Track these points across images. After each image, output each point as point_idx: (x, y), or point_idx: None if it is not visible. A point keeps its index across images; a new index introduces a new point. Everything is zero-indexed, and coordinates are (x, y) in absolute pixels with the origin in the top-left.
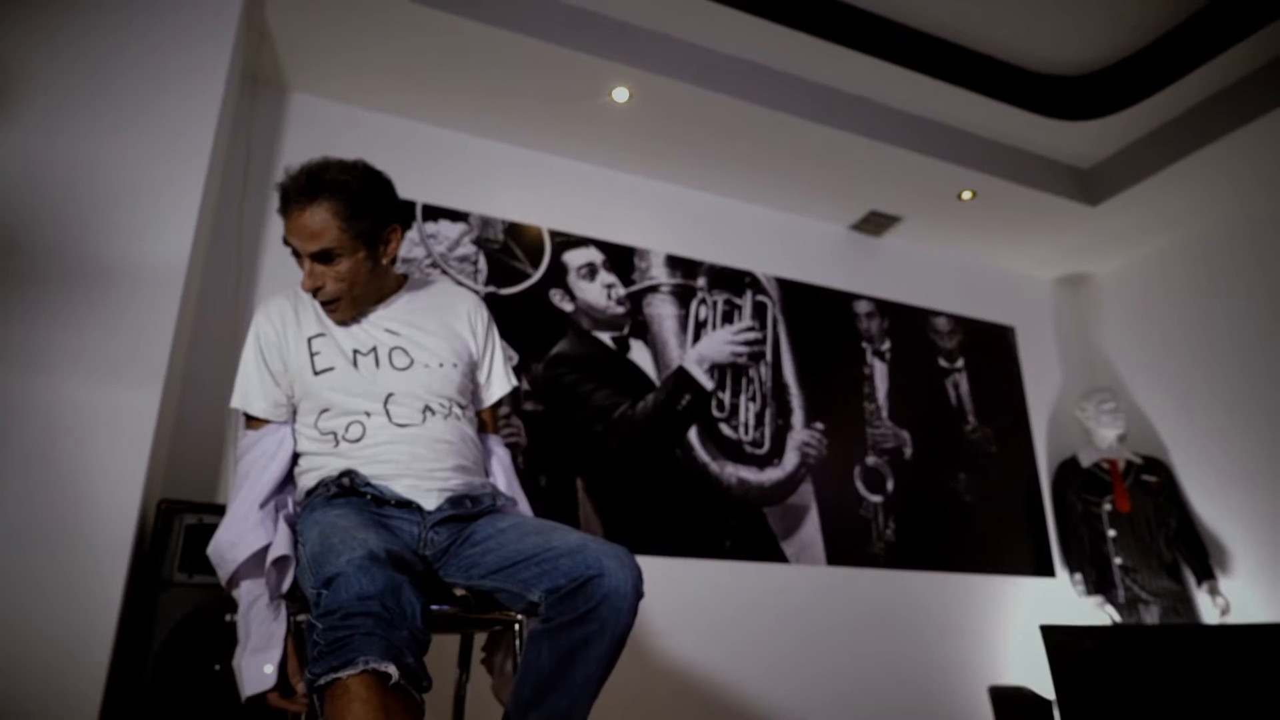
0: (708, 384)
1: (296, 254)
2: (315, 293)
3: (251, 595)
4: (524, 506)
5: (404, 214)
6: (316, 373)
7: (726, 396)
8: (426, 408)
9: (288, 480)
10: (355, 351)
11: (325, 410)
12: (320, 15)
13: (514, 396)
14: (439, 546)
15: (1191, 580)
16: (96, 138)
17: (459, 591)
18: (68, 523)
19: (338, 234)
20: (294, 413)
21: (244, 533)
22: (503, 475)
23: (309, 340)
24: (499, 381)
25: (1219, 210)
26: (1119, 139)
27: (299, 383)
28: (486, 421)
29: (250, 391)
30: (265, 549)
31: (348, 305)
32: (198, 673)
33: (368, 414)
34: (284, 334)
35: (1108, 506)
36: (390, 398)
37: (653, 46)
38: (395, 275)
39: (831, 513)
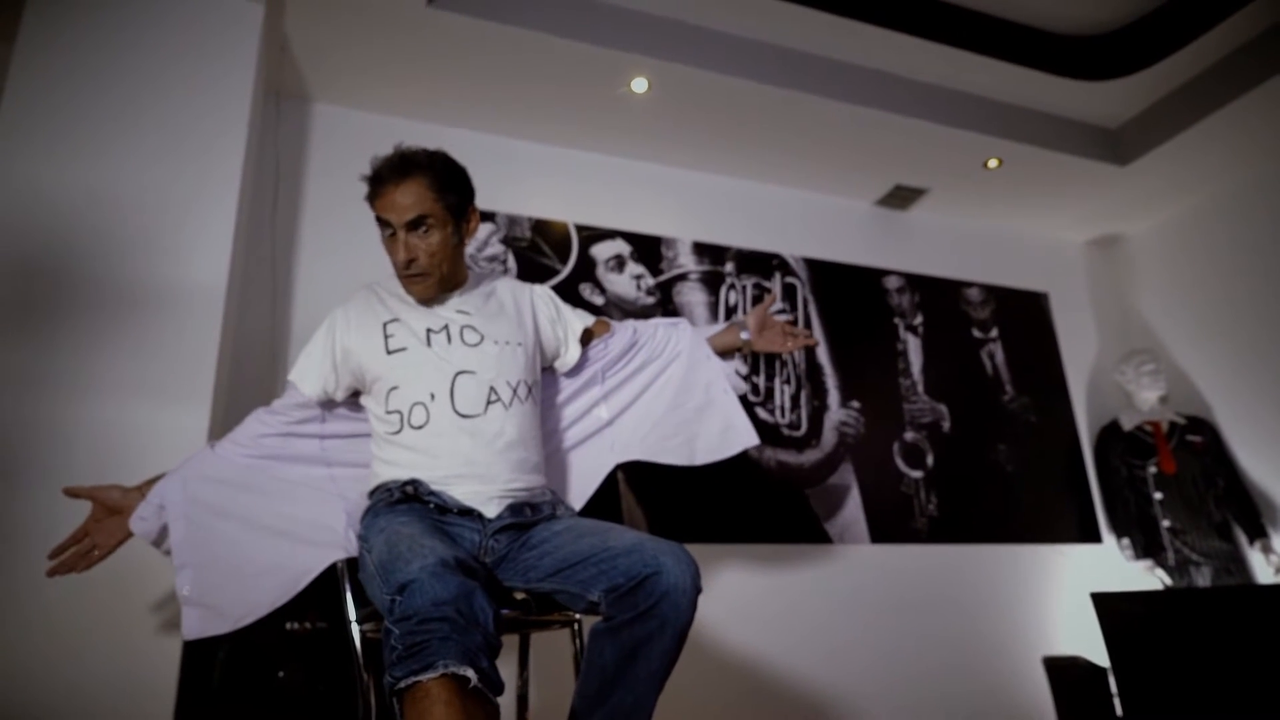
0: (742, 369)
1: (391, 235)
2: (408, 265)
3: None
4: (681, 335)
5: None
6: (389, 352)
7: (761, 380)
8: (492, 391)
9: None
10: (428, 330)
11: (394, 388)
12: (337, 25)
13: None
14: (498, 554)
15: (1243, 539)
16: (128, 161)
17: (519, 595)
18: (129, 542)
19: (431, 204)
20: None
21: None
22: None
23: (384, 324)
24: (572, 318)
25: (1252, 164)
26: (1146, 97)
27: (372, 364)
28: (595, 332)
29: (309, 370)
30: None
31: (434, 282)
32: (262, 679)
33: (432, 396)
34: (358, 322)
35: (1153, 469)
36: (459, 376)
37: (669, 35)
38: (465, 267)
39: (872, 491)
